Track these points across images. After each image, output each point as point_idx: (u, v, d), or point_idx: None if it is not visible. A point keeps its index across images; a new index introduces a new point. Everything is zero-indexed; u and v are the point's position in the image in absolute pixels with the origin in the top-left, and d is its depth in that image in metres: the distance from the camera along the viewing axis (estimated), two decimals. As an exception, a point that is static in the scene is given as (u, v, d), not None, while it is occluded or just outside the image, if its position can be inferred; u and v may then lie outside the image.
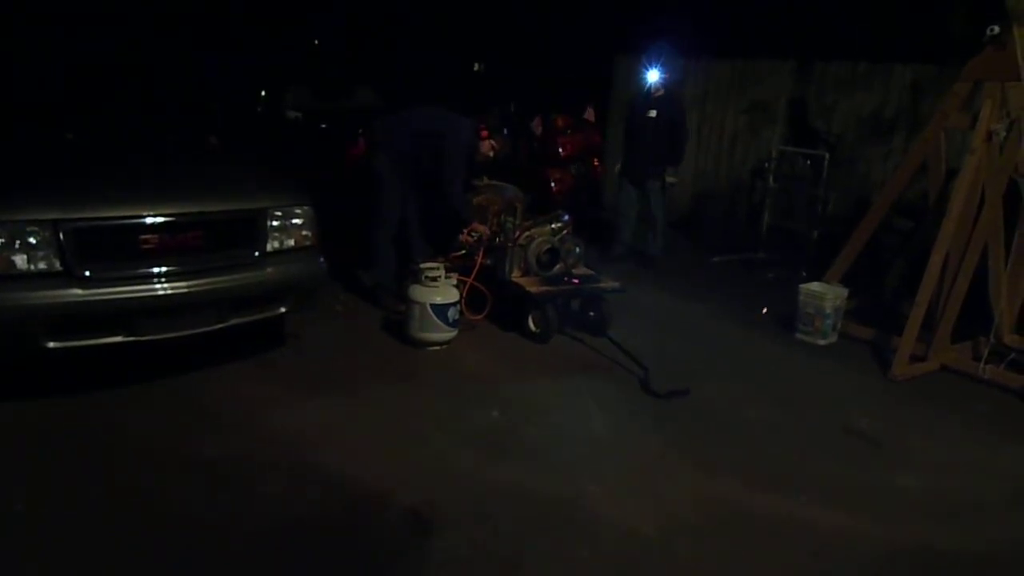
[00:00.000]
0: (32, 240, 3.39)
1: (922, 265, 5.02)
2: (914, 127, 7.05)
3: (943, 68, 6.66)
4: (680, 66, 7.47)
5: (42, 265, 3.42)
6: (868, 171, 7.56)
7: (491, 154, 5.48)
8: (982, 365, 4.77)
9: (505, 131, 5.20)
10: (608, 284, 5.27)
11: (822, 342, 5.33)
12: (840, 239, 5.88)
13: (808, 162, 7.69)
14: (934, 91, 6.80)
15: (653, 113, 6.83)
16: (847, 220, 6.65)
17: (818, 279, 5.61)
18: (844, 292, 5.43)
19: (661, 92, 6.87)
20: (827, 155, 7.46)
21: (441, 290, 4.74)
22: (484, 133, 5.20)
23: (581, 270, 5.37)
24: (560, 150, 9.50)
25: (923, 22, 7.67)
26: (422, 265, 4.87)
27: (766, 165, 8.02)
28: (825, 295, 5.32)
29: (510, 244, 5.19)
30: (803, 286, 5.45)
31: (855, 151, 7.66)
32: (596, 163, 9.96)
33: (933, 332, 4.95)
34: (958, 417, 4.31)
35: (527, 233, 5.24)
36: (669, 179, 6.92)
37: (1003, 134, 4.82)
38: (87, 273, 3.49)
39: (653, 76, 6.80)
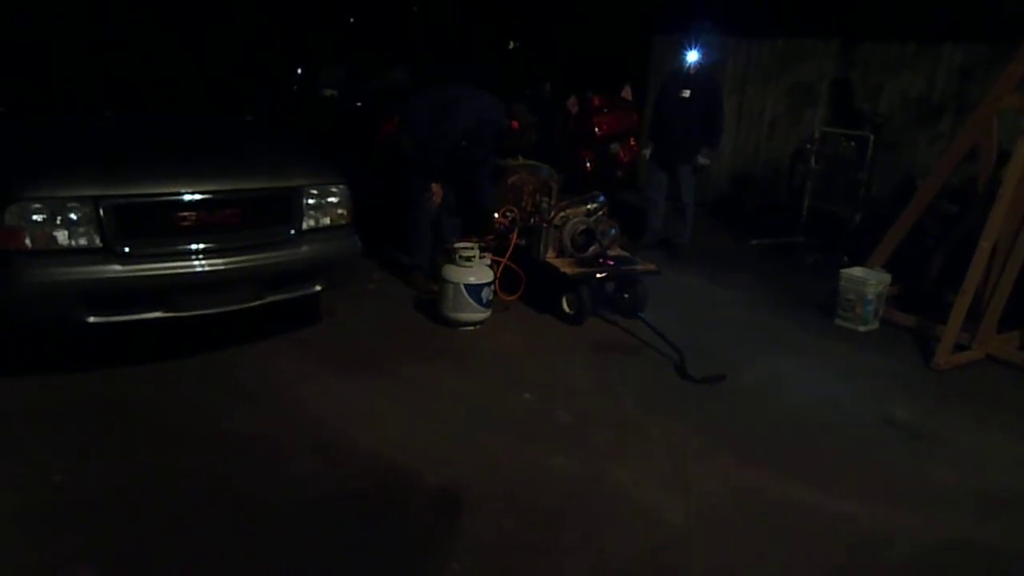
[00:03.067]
0: (73, 216, 3.44)
1: (968, 252, 4.88)
2: (962, 110, 6.83)
3: (995, 48, 6.43)
4: (718, 45, 7.24)
5: (83, 241, 3.47)
6: (914, 154, 7.36)
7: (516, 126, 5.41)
8: (1029, 356, 4.64)
9: (532, 116, 5.11)
10: (644, 266, 5.21)
11: (863, 329, 5.22)
12: (883, 223, 5.73)
13: (852, 143, 7.50)
14: (984, 73, 6.58)
15: (687, 93, 6.58)
16: (891, 203, 6.49)
17: (860, 264, 5.49)
18: (887, 278, 5.30)
19: (694, 71, 6.63)
20: (872, 136, 7.26)
21: (475, 270, 4.72)
22: (515, 125, 5.14)
23: (616, 252, 5.31)
24: (596, 130, 9.39)
25: (974, 0, 7.41)
26: (456, 245, 4.86)
27: (808, 146, 7.84)
28: (867, 280, 5.20)
29: (545, 224, 5.15)
30: (844, 271, 5.34)
31: (900, 134, 7.46)
32: (633, 143, 9.83)
33: (978, 321, 4.82)
34: (1002, 409, 4.19)
35: (562, 214, 5.19)
36: (702, 160, 6.68)
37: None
38: (126, 249, 3.53)
39: (692, 56, 6.59)
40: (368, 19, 15.15)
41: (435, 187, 5.24)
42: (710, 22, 6.65)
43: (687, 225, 6.85)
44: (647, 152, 6.95)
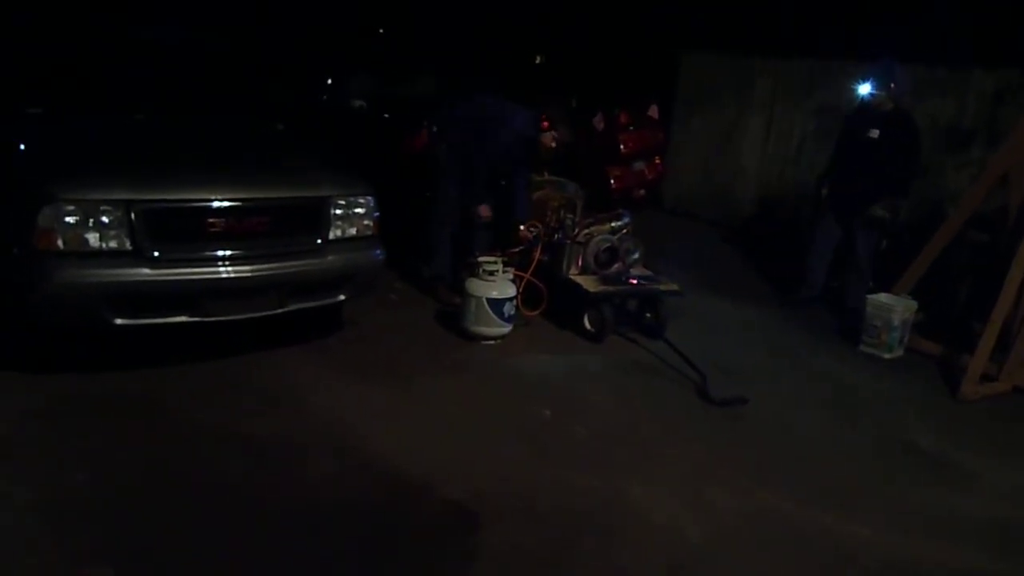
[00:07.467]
0: (105, 219, 3.49)
1: (997, 280, 4.81)
2: (994, 137, 6.75)
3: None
4: (906, 77, 5.91)
5: (113, 244, 3.52)
6: (943, 180, 7.27)
7: (553, 145, 5.42)
8: (1058, 389, 4.56)
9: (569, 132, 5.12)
10: (667, 286, 5.18)
11: (887, 356, 5.16)
12: (911, 249, 5.66)
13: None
14: (1017, 98, 6.50)
15: (875, 133, 5.56)
16: (919, 230, 6.42)
17: (886, 290, 5.43)
18: (913, 305, 5.24)
19: (890, 106, 5.59)
20: (900, 161, 7.17)
21: (498, 285, 4.72)
22: (545, 124, 5.16)
23: (639, 270, 5.30)
24: (621, 147, 9.39)
25: (1006, 24, 7.34)
26: (480, 259, 4.87)
27: (835, 169, 7.74)
28: (893, 307, 5.14)
29: (569, 241, 5.15)
30: (870, 297, 5.28)
31: (930, 159, 7.37)
32: (658, 161, 9.82)
33: (1006, 351, 4.75)
34: (1029, 442, 4.13)
35: (586, 231, 5.19)
36: (879, 212, 5.58)
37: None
38: (156, 253, 3.58)
39: (864, 89, 5.67)
40: (396, 29, 15.30)
41: (483, 208, 5.35)
42: (889, 55, 5.73)
43: (860, 284, 5.74)
44: (824, 192, 6.03)
